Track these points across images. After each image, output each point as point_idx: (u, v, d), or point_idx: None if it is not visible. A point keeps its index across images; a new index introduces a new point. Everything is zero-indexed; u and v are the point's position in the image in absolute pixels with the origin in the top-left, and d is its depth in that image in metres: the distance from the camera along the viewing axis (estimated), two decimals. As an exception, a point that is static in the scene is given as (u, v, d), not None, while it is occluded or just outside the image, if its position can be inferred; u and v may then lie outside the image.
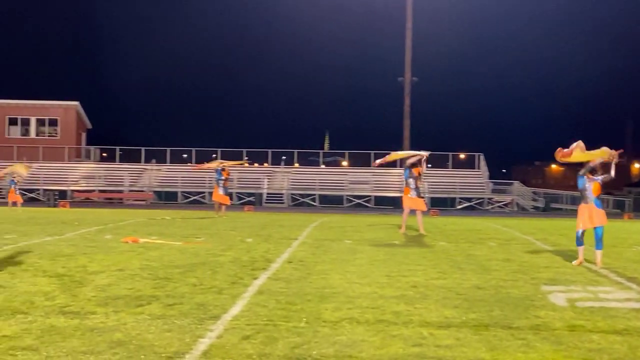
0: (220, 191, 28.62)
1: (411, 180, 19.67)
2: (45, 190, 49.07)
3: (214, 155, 57.25)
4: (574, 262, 12.60)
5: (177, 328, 6.85)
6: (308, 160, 65.85)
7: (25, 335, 6.42)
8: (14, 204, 32.41)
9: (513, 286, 9.85)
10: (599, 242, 12.52)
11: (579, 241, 12.79)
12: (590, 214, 12.59)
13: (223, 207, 29.04)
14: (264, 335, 6.63)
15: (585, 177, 12.74)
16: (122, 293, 8.76)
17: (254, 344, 6.31)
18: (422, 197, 20.51)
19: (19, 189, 33.46)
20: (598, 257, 12.47)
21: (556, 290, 9.52)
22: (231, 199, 33.59)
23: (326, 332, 6.83)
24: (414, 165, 19.80)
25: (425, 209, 20.33)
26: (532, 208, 50.99)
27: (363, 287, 9.61)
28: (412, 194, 19.74)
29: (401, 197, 21.08)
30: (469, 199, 50.88)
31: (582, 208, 12.78)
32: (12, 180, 33.19)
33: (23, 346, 6.04)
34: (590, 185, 12.67)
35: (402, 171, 55.08)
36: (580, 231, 12.78)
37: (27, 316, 7.27)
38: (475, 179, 54.53)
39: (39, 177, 51.49)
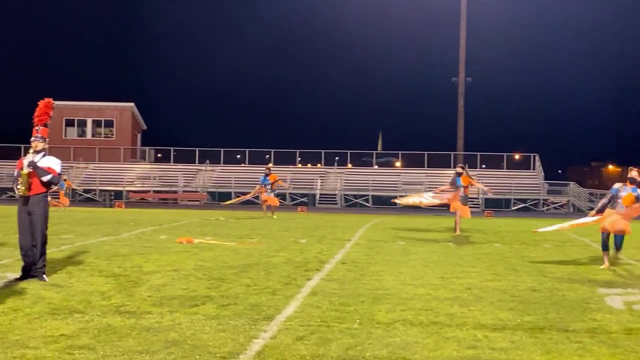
0: (269, 194, 28.62)
1: (461, 188, 19.99)
2: (101, 190, 49.77)
3: (267, 156, 57.66)
4: (602, 267, 12.37)
5: (231, 328, 6.90)
6: (361, 161, 65.81)
7: (82, 335, 6.52)
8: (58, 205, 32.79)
9: (569, 289, 9.72)
10: (617, 246, 12.49)
11: (604, 245, 12.62)
12: (613, 220, 12.39)
13: (273, 208, 29.09)
14: (317, 336, 6.64)
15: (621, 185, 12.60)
16: (177, 293, 8.86)
17: (307, 344, 6.32)
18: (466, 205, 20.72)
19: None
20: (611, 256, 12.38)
21: (613, 293, 9.38)
22: (284, 200, 33.60)
23: (379, 333, 6.82)
24: (459, 174, 20.30)
25: (468, 216, 20.52)
26: (588, 209, 50.19)
27: (416, 288, 9.58)
28: (460, 200, 20.00)
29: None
30: (524, 200, 50.27)
31: (608, 211, 12.57)
32: (62, 183, 33.70)
33: (80, 345, 6.14)
34: (623, 194, 12.45)
35: (454, 172, 54.92)
36: (605, 234, 12.59)
37: (84, 315, 7.38)
38: (530, 180, 53.88)
39: (95, 178, 52.25)
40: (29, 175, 9.60)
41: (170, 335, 6.54)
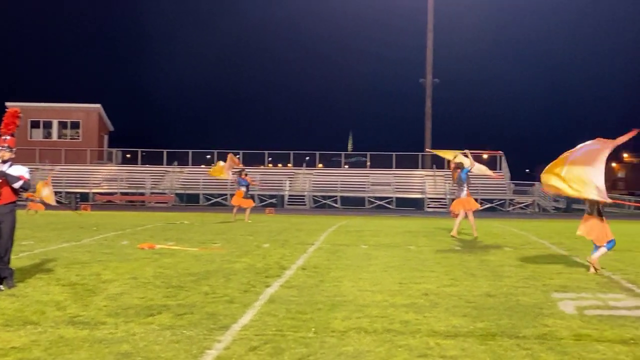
0: (246, 196, 28.26)
1: (465, 183, 19.86)
2: (67, 193, 49.40)
3: (237, 157, 57.54)
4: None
5: (185, 339, 6.90)
6: (331, 162, 65.92)
7: (33, 347, 6.49)
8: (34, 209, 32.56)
9: (524, 293, 9.83)
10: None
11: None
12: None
13: (248, 210, 28.83)
14: (271, 346, 6.67)
15: None
16: (134, 302, 8.83)
17: (260, 355, 6.35)
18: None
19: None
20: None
21: (566, 298, 9.49)
22: (253, 200, 33.24)
23: (333, 342, 6.86)
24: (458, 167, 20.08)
25: (478, 206, 20.42)
26: (553, 209, 50.72)
27: (374, 295, 9.63)
28: (463, 194, 19.90)
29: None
30: (490, 200, 50.67)
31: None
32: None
33: (31, 358, 6.12)
34: None
35: (421, 173, 55.27)
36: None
37: (37, 327, 7.34)
38: (497, 180, 54.30)
39: (61, 180, 51.87)
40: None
41: (122, 347, 6.54)
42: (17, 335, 6.94)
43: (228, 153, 30.74)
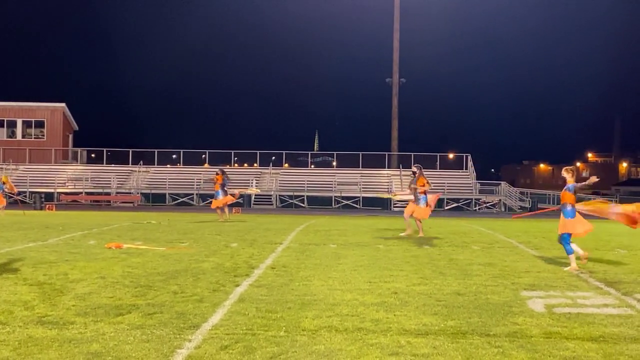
0: (220, 195, 28.15)
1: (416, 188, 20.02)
2: (31, 192, 48.87)
3: (203, 157, 57.33)
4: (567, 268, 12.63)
5: (156, 338, 6.86)
6: (297, 161, 65.90)
7: (2, 347, 6.42)
8: None
9: (493, 292, 9.90)
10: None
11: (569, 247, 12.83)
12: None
13: (226, 208, 28.78)
14: (242, 345, 6.65)
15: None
16: (103, 302, 8.76)
17: (231, 354, 6.33)
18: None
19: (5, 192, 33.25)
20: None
21: (535, 296, 9.57)
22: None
23: (304, 341, 6.86)
24: (414, 173, 20.27)
25: (426, 217, 20.56)
26: (519, 209, 51.12)
27: (344, 293, 9.64)
28: (419, 202, 20.04)
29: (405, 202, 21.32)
30: (456, 200, 51.01)
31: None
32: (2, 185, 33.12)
33: (0, 358, 6.05)
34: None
35: (388, 172, 55.46)
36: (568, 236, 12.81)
37: (5, 327, 7.26)
38: (462, 180, 54.70)
39: (25, 180, 51.29)
40: None
41: (92, 347, 6.48)
42: (-16, 336, 6.85)
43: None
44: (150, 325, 7.48)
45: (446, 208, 49.62)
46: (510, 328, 7.55)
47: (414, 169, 20.65)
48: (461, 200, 51.23)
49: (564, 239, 12.71)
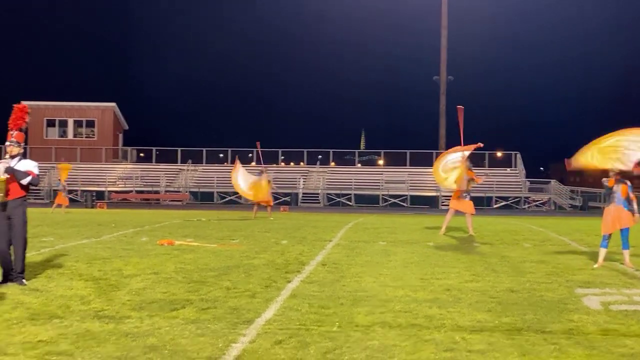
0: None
1: (467, 184, 19.55)
2: (83, 191, 49.57)
3: (250, 155, 57.58)
4: (595, 265, 12.45)
5: (211, 333, 6.91)
6: (344, 160, 65.87)
7: (61, 340, 6.51)
8: (59, 206, 32.76)
9: (547, 289, 9.79)
10: (625, 242, 12.44)
11: (604, 242, 12.61)
12: (615, 217, 12.45)
13: (269, 208, 29.02)
14: (296, 340, 6.67)
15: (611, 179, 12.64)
16: (157, 297, 8.85)
17: (286, 348, 6.34)
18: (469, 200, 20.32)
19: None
20: (626, 257, 12.42)
21: (590, 293, 9.45)
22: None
23: (358, 336, 6.85)
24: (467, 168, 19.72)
25: (473, 211, 20.19)
26: (569, 207, 50.51)
27: (396, 290, 9.61)
28: (462, 195, 19.71)
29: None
30: (505, 198, 50.55)
31: (608, 211, 12.65)
32: (59, 182, 33.85)
33: (59, 351, 6.13)
34: (619, 187, 12.53)
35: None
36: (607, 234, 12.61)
37: (63, 320, 7.37)
38: (511, 178, 54.18)
39: (76, 178, 52.02)
40: (7, 181, 9.54)
41: (149, 340, 6.55)
42: (43, 329, 6.96)
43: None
44: (204, 319, 7.53)
45: (495, 206, 49.22)
46: (566, 325, 7.45)
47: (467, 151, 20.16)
48: (510, 199, 50.76)
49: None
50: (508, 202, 50.32)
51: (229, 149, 58.61)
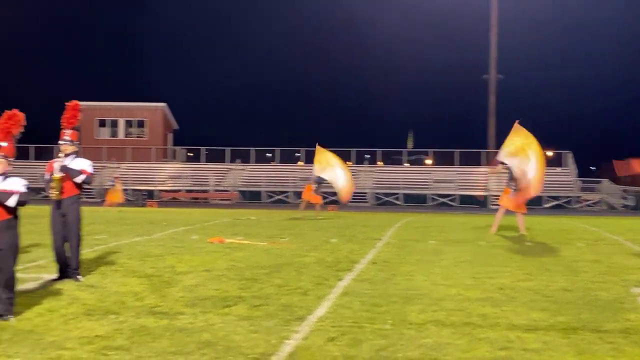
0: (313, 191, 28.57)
1: (512, 182, 19.27)
2: (133, 190, 50.12)
3: (297, 154, 57.74)
4: None
5: (264, 329, 6.94)
6: (391, 159, 65.63)
7: (117, 335, 6.60)
8: (111, 204, 33.21)
9: (602, 288, 9.65)
10: None
11: None
12: None
13: (317, 206, 29.08)
14: (349, 337, 6.66)
15: None
16: (210, 294, 8.92)
17: (339, 345, 6.34)
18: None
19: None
20: None
21: (647, 293, 9.30)
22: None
23: (411, 334, 6.82)
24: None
25: (525, 210, 19.93)
26: (622, 207, 49.70)
27: (448, 288, 9.56)
28: (512, 194, 19.47)
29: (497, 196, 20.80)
30: (556, 198, 49.93)
31: None
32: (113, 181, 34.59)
33: (115, 346, 6.21)
34: None
35: (485, 170, 54.60)
36: None
37: (118, 316, 7.47)
38: (563, 177, 53.46)
39: (127, 178, 52.62)
40: (61, 179, 9.65)
41: (203, 336, 6.60)
42: (99, 324, 7.06)
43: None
44: (257, 316, 7.57)
45: (545, 206, 48.64)
46: (622, 324, 7.34)
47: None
48: (561, 199, 50.12)
49: None
50: (559, 202, 49.69)
51: (277, 149, 58.81)
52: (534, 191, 16.81)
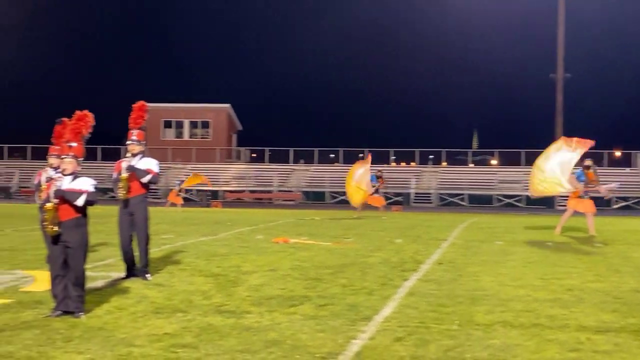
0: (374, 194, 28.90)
1: (582, 184, 18.94)
2: (198, 191, 50.65)
3: (360, 155, 57.67)
4: None
5: (330, 329, 6.94)
6: (456, 160, 65.09)
7: (185, 333, 6.68)
8: (173, 204, 33.69)
9: (675, 290, 9.42)
10: None
11: None
12: None
13: (381, 207, 29.18)
14: (416, 337, 6.63)
15: None
16: (275, 293, 8.96)
17: (406, 346, 6.32)
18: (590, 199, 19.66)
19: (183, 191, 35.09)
20: None
21: None
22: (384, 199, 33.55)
23: (479, 335, 6.76)
24: (587, 167, 19.11)
25: (594, 210, 19.55)
26: (694, 207, 48.43)
27: (516, 289, 9.44)
28: (581, 195, 19.14)
29: (566, 197, 20.46)
30: (625, 199, 48.91)
31: None
32: (179, 183, 35.16)
33: (183, 344, 6.29)
34: None
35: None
36: None
37: (186, 314, 7.56)
38: (632, 178, 52.34)
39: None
40: (128, 178, 9.80)
41: (270, 335, 6.64)
42: (168, 322, 7.16)
43: (357, 154, 30.85)
44: (323, 316, 7.58)
45: (614, 207, 47.69)
46: (696, 327, 7.16)
47: (588, 162, 19.54)
48: (630, 199, 49.08)
49: None
50: (628, 203, 48.66)
51: (340, 149, 58.83)
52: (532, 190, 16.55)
